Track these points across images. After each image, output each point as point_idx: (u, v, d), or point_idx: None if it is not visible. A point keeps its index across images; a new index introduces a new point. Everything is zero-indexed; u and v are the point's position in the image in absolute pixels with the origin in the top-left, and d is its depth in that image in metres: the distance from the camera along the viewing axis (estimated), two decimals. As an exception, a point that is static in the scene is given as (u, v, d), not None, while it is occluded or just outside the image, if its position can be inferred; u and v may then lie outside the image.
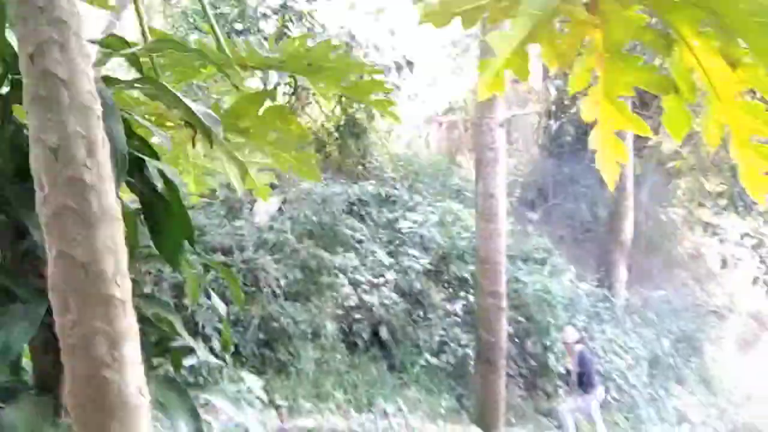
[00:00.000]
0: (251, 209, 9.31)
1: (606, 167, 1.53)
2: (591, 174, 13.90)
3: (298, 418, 6.61)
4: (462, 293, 9.46)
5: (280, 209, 9.24)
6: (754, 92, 1.29)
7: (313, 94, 12.16)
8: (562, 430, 7.76)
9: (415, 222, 10.24)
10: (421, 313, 9.32)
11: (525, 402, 8.91)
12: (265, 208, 9.12)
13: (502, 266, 6.58)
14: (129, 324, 1.04)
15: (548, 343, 9.13)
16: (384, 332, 8.79)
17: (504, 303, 6.65)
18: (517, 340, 9.27)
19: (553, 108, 15.12)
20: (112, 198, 1.05)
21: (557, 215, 14.78)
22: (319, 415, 6.84)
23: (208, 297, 1.85)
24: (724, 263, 12.01)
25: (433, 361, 8.71)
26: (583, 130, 13.73)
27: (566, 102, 14.41)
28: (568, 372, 8.15)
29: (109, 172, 1.07)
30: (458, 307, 9.19)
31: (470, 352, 8.54)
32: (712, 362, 12.05)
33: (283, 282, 8.22)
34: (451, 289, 9.68)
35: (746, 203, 11.14)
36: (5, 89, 1.45)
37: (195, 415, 1.34)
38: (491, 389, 6.62)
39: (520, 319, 9.37)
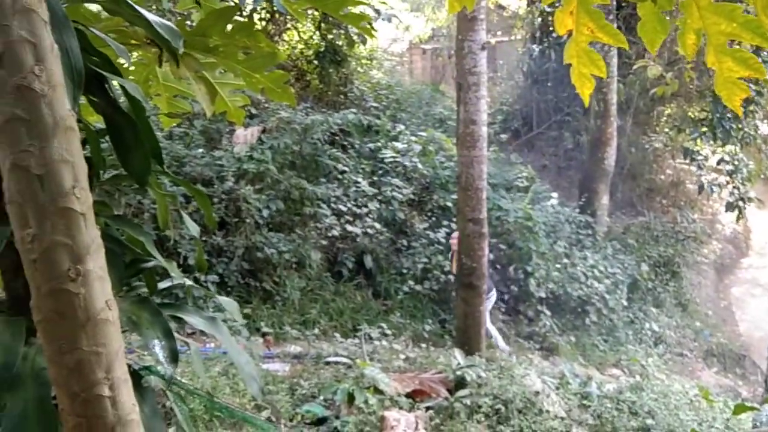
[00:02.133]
0: (231, 139, 9.17)
1: (581, 81, 1.49)
2: (575, 102, 13.84)
3: (284, 345, 6.75)
4: (445, 221, 9.52)
5: (259, 139, 9.10)
6: None
7: (291, 20, 11.81)
8: (494, 340, 7.82)
9: (398, 152, 10.17)
10: (405, 242, 9.41)
11: (506, 326, 9.16)
12: (244, 138, 8.98)
13: (483, 192, 6.59)
14: (91, 237, 1.02)
15: (530, 270, 9.30)
16: (368, 261, 8.88)
17: (485, 229, 6.70)
18: (498, 266, 9.43)
19: (538, 33, 14.82)
20: (66, 107, 1.00)
21: (541, 143, 14.77)
22: (305, 341, 6.98)
23: (181, 220, 1.82)
24: (701, 189, 12.14)
25: (417, 287, 8.87)
26: (568, 56, 13.53)
27: (550, 27, 14.12)
28: (457, 277, 7.87)
29: (61, 80, 1.02)
30: (441, 235, 9.27)
31: (452, 278, 8.68)
32: (689, 286, 12.38)
33: (265, 213, 8.20)
34: (434, 218, 9.74)
35: (725, 129, 11.15)
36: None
37: (169, 334, 1.34)
38: (472, 313, 6.77)
39: (502, 246, 9.50)
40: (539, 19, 14.41)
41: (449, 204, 9.65)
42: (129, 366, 1.16)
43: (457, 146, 6.88)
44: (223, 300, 1.75)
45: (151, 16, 1.45)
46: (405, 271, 9.03)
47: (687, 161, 13.52)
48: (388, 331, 7.57)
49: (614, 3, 10.71)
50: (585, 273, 10.05)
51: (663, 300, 11.36)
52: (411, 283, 8.89)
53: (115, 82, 1.58)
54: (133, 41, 2.00)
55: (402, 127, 11.30)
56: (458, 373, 5.54)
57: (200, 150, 8.52)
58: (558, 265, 9.75)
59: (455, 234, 7.68)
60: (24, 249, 1.00)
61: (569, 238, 10.53)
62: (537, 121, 14.76)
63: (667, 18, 1.31)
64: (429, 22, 23.72)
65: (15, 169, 0.97)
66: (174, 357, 1.31)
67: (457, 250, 7.51)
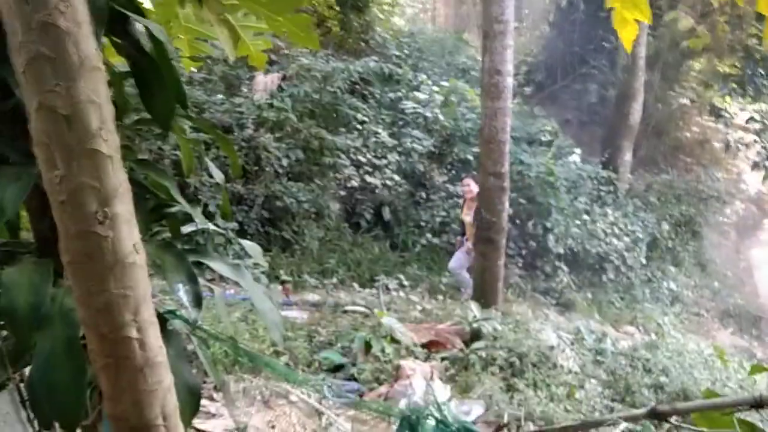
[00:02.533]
0: (250, 87, 9.09)
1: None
2: (602, 55, 13.49)
3: (303, 293, 6.83)
4: (465, 174, 9.45)
5: (279, 87, 9.01)
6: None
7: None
8: (463, 286, 7.77)
9: (419, 102, 10.03)
10: (424, 195, 9.38)
11: (523, 281, 9.17)
12: (264, 85, 8.90)
13: (506, 146, 6.50)
14: (119, 181, 1.01)
15: (549, 225, 9.25)
16: (386, 212, 8.89)
17: (506, 183, 6.63)
18: (518, 221, 9.39)
19: (565, -20, 14.35)
20: (92, 46, 0.98)
21: (565, 97, 14.48)
22: (323, 290, 7.06)
23: (208, 169, 1.81)
24: (727, 147, 11.88)
25: (434, 240, 8.88)
26: (596, 6, 13.13)
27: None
28: (463, 224, 7.90)
29: (86, 18, 0.98)
30: (460, 189, 9.22)
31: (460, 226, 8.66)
32: (709, 246, 12.27)
33: (285, 162, 8.19)
34: (454, 171, 9.67)
35: (756, 86, 10.82)
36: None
37: (193, 279, 1.34)
38: (490, 268, 6.77)
39: (522, 201, 9.43)
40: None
41: (470, 157, 9.56)
42: (155, 310, 1.16)
43: (480, 97, 6.76)
44: (247, 244, 1.76)
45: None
46: (423, 223, 9.04)
47: (714, 119, 13.21)
48: (406, 283, 7.63)
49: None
50: (604, 230, 9.99)
51: (682, 259, 11.29)
52: (429, 235, 8.90)
53: (138, 24, 1.54)
54: (155, -19, 1.95)
55: (424, 76, 11.13)
56: (474, 325, 5.58)
57: (220, 96, 8.47)
58: (578, 222, 9.69)
59: (467, 180, 7.66)
60: (52, 191, 0.99)
61: (590, 195, 10.44)
62: (561, 73, 14.43)
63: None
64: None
65: (41, 109, 0.95)
66: (198, 301, 1.31)
67: (470, 197, 7.53)
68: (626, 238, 10.10)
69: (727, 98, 11.49)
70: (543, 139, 10.91)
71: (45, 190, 1.51)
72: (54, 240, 1.56)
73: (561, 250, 9.35)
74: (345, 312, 6.14)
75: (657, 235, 10.88)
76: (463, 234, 7.86)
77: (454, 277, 7.87)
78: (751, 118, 11.72)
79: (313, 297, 6.74)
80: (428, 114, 9.84)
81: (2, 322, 1.80)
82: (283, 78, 9.23)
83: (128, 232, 1.03)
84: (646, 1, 1.40)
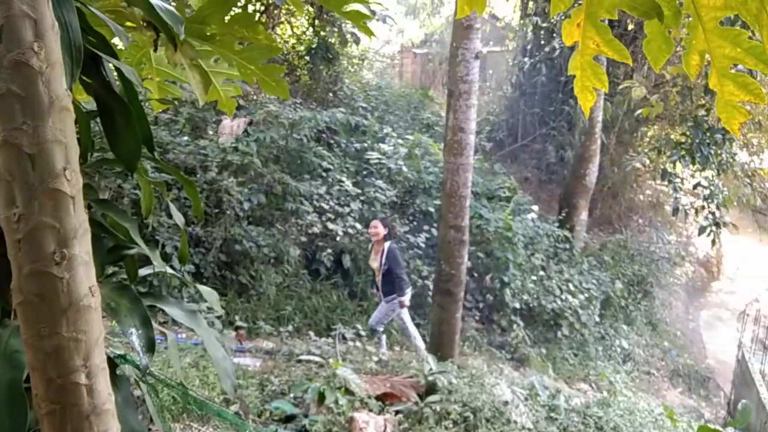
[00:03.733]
0: (217, 130, 9.09)
1: (583, 93, 1.50)
2: (561, 117, 13.98)
3: (257, 340, 6.70)
4: (426, 226, 9.54)
5: (245, 131, 9.04)
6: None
7: (285, 13, 11.75)
8: (376, 341, 7.41)
9: (383, 153, 10.18)
10: (385, 245, 9.39)
11: (480, 334, 9.20)
12: (231, 129, 8.91)
13: (467, 200, 6.61)
14: (79, 221, 1.00)
15: (506, 280, 9.35)
16: (347, 260, 8.86)
17: (466, 237, 6.72)
18: (476, 275, 9.48)
19: (529, 46, 14.95)
20: (62, 87, 0.98)
21: (525, 156, 14.89)
22: (278, 337, 6.94)
23: (167, 209, 1.79)
24: (676, 211, 12.32)
25: (394, 290, 8.85)
26: (557, 71, 13.68)
27: (542, 41, 14.26)
28: (374, 274, 7.55)
29: (59, 59, 0.99)
30: (421, 239, 9.29)
31: (430, 284, 8.70)
32: (660, 306, 12.55)
33: (246, 205, 8.14)
34: (415, 222, 9.76)
35: (704, 154, 11.32)
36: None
37: (147, 323, 1.31)
38: (448, 320, 6.78)
39: (480, 255, 9.55)
40: (532, 33, 14.53)
41: (431, 209, 9.68)
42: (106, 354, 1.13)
43: (444, 153, 6.90)
44: (203, 289, 1.73)
45: (154, 0, 1.43)
46: (383, 273, 9.02)
47: (665, 183, 13.73)
48: (363, 332, 7.56)
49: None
50: (560, 286, 10.15)
51: (634, 318, 11.50)
52: (388, 286, 8.88)
53: (110, 65, 1.55)
54: (128, 23, 1.96)
55: (389, 129, 11.32)
56: (430, 378, 5.54)
57: (185, 138, 8.43)
58: (534, 277, 9.84)
59: (375, 222, 7.40)
60: (9, 228, 0.97)
61: (547, 251, 10.63)
62: (522, 133, 14.88)
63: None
64: (423, 27, 23.83)
65: (6, 146, 0.94)
66: (151, 346, 1.28)
67: (377, 240, 7.30)
68: (581, 296, 10.26)
69: (678, 164, 11.98)
70: (502, 195, 11.13)
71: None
72: (4, 280, 1.52)
73: (517, 305, 9.44)
74: (299, 361, 6.03)
75: (610, 294, 11.10)
76: (377, 285, 7.44)
77: (375, 332, 7.50)
78: (699, 184, 12.21)
79: (267, 344, 6.61)
80: (392, 165, 9.97)
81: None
82: (250, 123, 9.26)
83: (85, 274, 1.02)
84: (604, 71, 1.48)
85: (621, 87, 11.36)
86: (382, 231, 7.22)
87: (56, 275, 0.97)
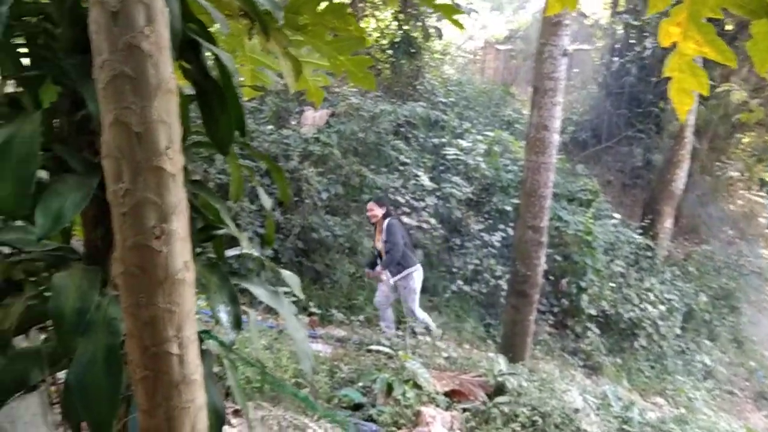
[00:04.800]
0: (299, 120, 9.29)
1: (680, 96, 1.43)
2: (649, 119, 13.41)
3: (329, 327, 6.82)
4: (501, 225, 9.41)
5: (327, 122, 9.19)
6: None
7: (370, 6, 11.84)
8: (382, 320, 7.26)
9: (461, 149, 10.10)
10: (458, 241, 9.34)
11: (552, 339, 8.99)
12: (313, 120, 9.09)
13: (547, 201, 6.47)
14: (179, 199, 1.05)
15: (583, 285, 9.10)
16: (419, 255, 8.86)
17: (544, 238, 6.57)
18: (551, 278, 9.26)
19: (618, 45, 14.43)
20: (169, 70, 1.03)
21: (608, 158, 14.39)
22: (349, 326, 7.03)
23: (249, 194, 1.85)
24: (772, 224, 11.61)
25: (465, 288, 8.80)
26: (647, 71, 13.12)
27: (633, 40, 13.73)
28: (379, 254, 7.26)
29: (167, 43, 1.04)
30: (496, 238, 9.17)
31: (503, 283, 8.58)
32: (748, 323, 11.86)
33: (324, 195, 8.29)
34: (490, 221, 9.63)
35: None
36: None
37: (235, 301, 1.36)
38: (521, 321, 6.67)
39: (557, 258, 9.32)
40: (622, 31, 14.01)
41: (508, 208, 9.53)
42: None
43: (525, 151, 6.77)
44: (286, 273, 1.78)
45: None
46: (455, 270, 8.98)
47: (762, 193, 12.94)
48: (432, 327, 7.55)
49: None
50: (639, 295, 9.78)
51: (718, 334, 10.93)
52: (460, 282, 8.83)
53: (208, 51, 1.61)
54: (226, 12, 2.04)
55: (468, 125, 11.22)
56: (499, 379, 5.47)
57: (270, 127, 8.67)
58: (612, 284, 9.52)
59: (371, 205, 7.16)
60: (115, 202, 1.03)
61: (627, 258, 10.25)
62: (606, 134, 14.38)
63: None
64: (507, 23, 23.43)
65: (116, 125, 1.00)
66: (237, 323, 1.33)
67: (376, 222, 7.12)
68: (661, 306, 9.85)
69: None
70: (583, 197, 10.82)
71: (101, 201, 1.57)
72: (103, 250, 1.62)
73: (593, 312, 9.17)
74: (369, 351, 6.09)
75: (694, 307, 10.59)
76: (375, 265, 7.33)
77: (379, 312, 7.40)
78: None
79: (338, 332, 6.71)
80: (470, 161, 9.88)
81: (42, 325, 1.85)
82: (332, 114, 9.41)
83: (181, 250, 1.06)
84: (705, 74, 1.41)
85: (718, 90, 10.77)
86: (378, 211, 7.05)
87: (155, 249, 1.02)
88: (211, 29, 1.87)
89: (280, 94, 9.10)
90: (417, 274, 7.12)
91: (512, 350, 6.55)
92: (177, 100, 1.05)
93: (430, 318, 7.37)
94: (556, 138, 6.42)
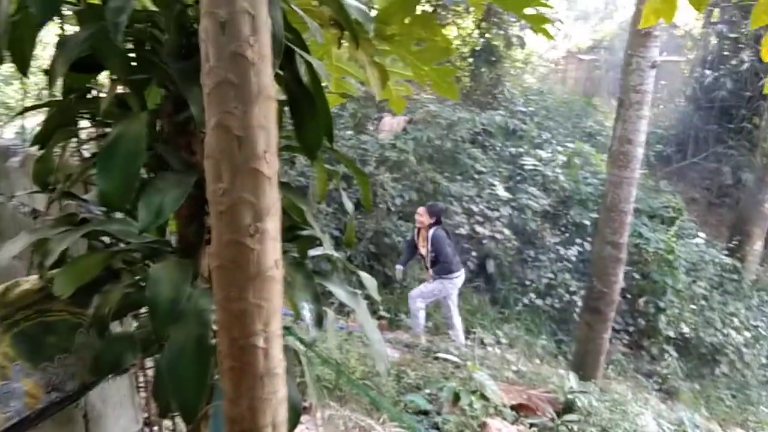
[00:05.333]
0: (377, 126, 9.40)
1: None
2: (741, 135, 12.74)
3: (397, 332, 6.85)
4: (578, 239, 9.18)
5: (404, 129, 9.26)
6: None
7: (452, 15, 11.85)
8: (411, 316, 7.16)
9: (540, 160, 9.93)
10: (532, 253, 9.19)
11: (627, 359, 8.69)
12: (390, 126, 9.18)
13: (628, 216, 6.27)
14: (272, 200, 1.10)
15: (662, 305, 8.75)
16: (491, 265, 8.78)
17: (623, 255, 6.37)
18: (629, 296, 8.96)
19: (710, 57, 13.79)
20: (269, 77, 1.09)
21: (694, 174, 13.77)
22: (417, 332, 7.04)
23: (328, 197, 1.90)
24: None
25: (538, 302, 8.65)
26: (742, 85, 12.48)
27: (727, 52, 13.09)
28: (422, 256, 7.30)
29: (269, 52, 1.10)
30: (572, 252, 8.95)
31: (577, 299, 8.38)
32: None
33: (398, 201, 8.36)
34: (567, 234, 9.42)
35: None
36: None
37: (317, 299, 1.41)
38: (594, 339, 6.48)
39: (636, 276, 9.01)
40: (716, 43, 13.40)
41: (586, 222, 9.29)
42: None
43: (607, 164, 6.59)
44: (364, 276, 1.82)
45: (348, -1, 1.52)
46: (528, 282, 8.83)
47: None
48: (503, 340, 7.46)
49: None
50: (723, 320, 9.29)
51: (811, 367, 10.23)
52: (532, 295, 8.68)
53: (300, 58, 1.67)
54: (317, 21, 2.11)
55: (548, 135, 11.03)
56: (569, 396, 5.34)
57: (349, 132, 8.83)
58: (693, 306, 9.09)
59: (421, 209, 7.17)
60: (214, 201, 1.09)
61: (711, 280, 9.77)
62: (693, 149, 13.77)
63: None
64: (592, 32, 22.87)
65: (218, 128, 1.06)
66: (319, 321, 1.38)
67: (422, 227, 7.05)
68: (747, 333, 9.31)
69: None
70: (666, 214, 10.40)
71: (196, 199, 1.66)
72: (196, 244, 1.71)
73: (671, 334, 8.79)
74: (436, 358, 6.09)
75: (784, 335, 9.96)
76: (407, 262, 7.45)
77: (408, 303, 7.28)
78: None
79: (406, 337, 6.74)
80: (548, 173, 9.71)
81: (135, 312, 1.97)
82: (409, 121, 9.48)
83: (273, 248, 1.12)
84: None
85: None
86: (426, 219, 7.03)
87: (249, 246, 1.08)
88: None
89: (360, 101, 9.26)
90: (458, 280, 7.12)
91: (584, 368, 6.38)
92: (275, 106, 1.11)
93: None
94: (640, 152, 6.22)
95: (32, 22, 1.58)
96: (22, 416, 1.59)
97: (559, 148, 10.37)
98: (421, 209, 7.21)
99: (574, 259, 8.95)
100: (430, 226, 7.07)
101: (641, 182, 10.36)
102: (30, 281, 1.73)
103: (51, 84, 1.44)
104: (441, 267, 6.96)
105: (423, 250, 7.22)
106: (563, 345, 8.34)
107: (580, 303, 8.19)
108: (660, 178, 12.68)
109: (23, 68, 1.63)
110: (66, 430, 1.92)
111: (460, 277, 7.13)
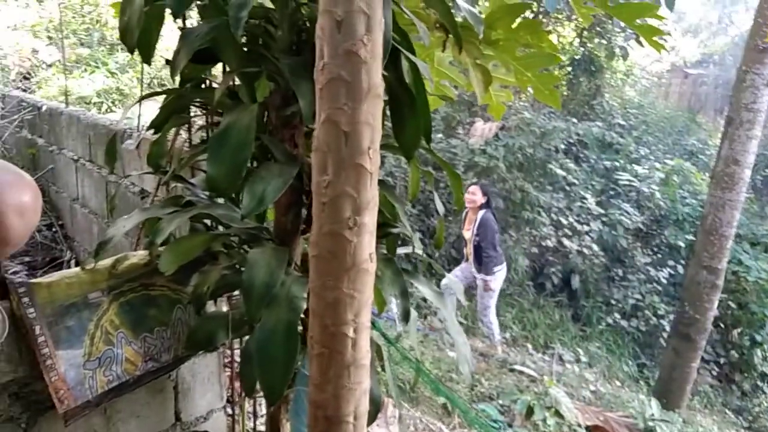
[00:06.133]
0: (468, 130, 9.35)
1: None
2: None
3: (474, 339, 6.78)
4: (671, 261, 8.76)
5: (496, 135, 9.16)
6: None
7: (553, 22, 11.59)
8: (485, 326, 6.62)
9: (635, 175, 9.55)
10: (620, 272, 8.85)
11: (714, 392, 8.20)
12: (482, 132, 9.10)
13: (729, 241, 5.92)
14: (372, 195, 1.13)
15: (759, 339, 8.20)
16: (575, 281, 8.54)
17: (720, 281, 6.03)
18: (721, 325, 8.46)
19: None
20: (379, 76, 1.12)
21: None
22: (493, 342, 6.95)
23: (423, 198, 1.92)
24: None
25: (622, 322, 8.33)
26: None
27: None
28: (465, 241, 6.61)
29: (380, 51, 1.13)
30: (663, 274, 8.56)
31: (665, 323, 8.01)
32: None
33: (484, 208, 8.26)
34: (659, 255, 9.01)
35: None
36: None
37: (405, 295, 1.43)
38: (681, 367, 6.17)
39: (732, 304, 8.49)
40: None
41: (681, 243, 8.85)
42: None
43: (709, 184, 6.26)
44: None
45: (459, 1, 1.53)
46: (613, 302, 8.52)
47: None
48: (583, 358, 7.23)
49: None
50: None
51: None
52: (617, 316, 8.37)
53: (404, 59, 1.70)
54: (424, 24, 2.13)
55: (646, 150, 10.60)
56: (649, 423, 5.11)
57: (439, 135, 8.83)
58: (794, 344, 8.47)
59: (474, 188, 6.47)
60: (318, 192, 1.13)
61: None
62: (810, 177, 12.80)
63: None
64: (701, 47, 21.74)
65: (327, 122, 1.10)
66: (406, 316, 1.40)
67: (472, 208, 6.44)
68: None
69: None
70: (770, 243, 9.75)
71: (295, 189, 1.72)
72: (291, 232, 1.77)
73: (767, 370, 8.23)
74: (512, 370, 5.99)
75: None
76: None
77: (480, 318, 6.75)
78: None
79: (482, 346, 6.67)
80: (644, 189, 9.32)
81: (229, 294, 2.06)
82: (501, 128, 9.36)
83: (368, 242, 1.15)
84: None
85: None
86: (479, 198, 6.43)
87: (347, 238, 1.11)
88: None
89: (452, 104, 9.23)
90: (501, 274, 6.59)
91: (667, 396, 6.09)
92: (382, 105, 1.14)
93: (498, 328, 6.76)
94: (747, 174, 5.87)
95: (158, 15, 1.70)
96: (122, 381, 1.70)
97: (657, 165, 9.93)
98: (472, 188, 6.59)
99: (664, 281, 8.55)
100: (481, 206, 6.51)
101: (745, 206, 9.76)
102: (137, 255, 1.85)
103: (173, 73, 1.53)
104: (485, 259, 6.38)
105: (467, 234, 6.63)
106: (646, 370, 7.99)
107: (667, 328, 7.83)
108: (766, 203, 11.89)
109: (147, 57, 1.75)
110: (158, 399, 2.04)
111: (502, 270, 6.64)
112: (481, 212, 6.46)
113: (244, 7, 1.27)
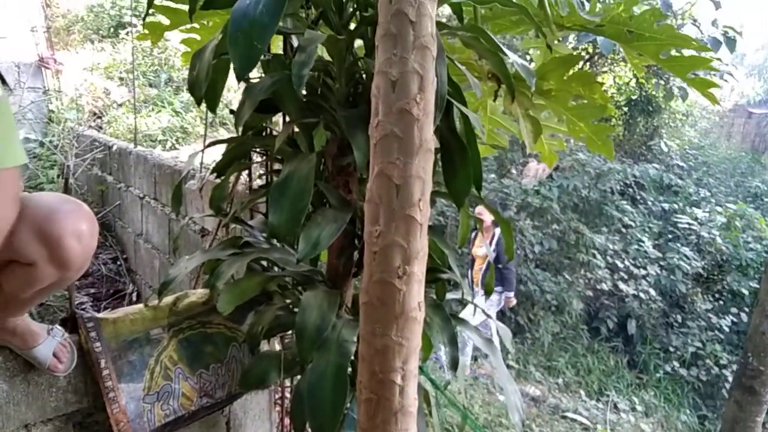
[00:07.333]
0: (521, 171, 9.31)
1: None
2: None
3: (524, 383, 6.65)
4: (734, 309, 8.41)
5: (549, 176, 9.09)
6: None
7: (609, 63, 11.52)
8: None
9: (695, 219, 9.27)
10: (679, 318, 8.54)
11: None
12: (535, 172, 9.05)
13: (797, 291, 5.66)
14: (422, 246, 1.17)
15: (831, 394, 7.71)
16: (632, 326, 8.28)
17: (787, 332, 5.74)
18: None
19: None
20: (431, 132, 1.17)
21: None
22: (545, 386, 6.79)
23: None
24: None
25: (681, 371, 7.99)
26: None
27: None
28: (474, 258, 6.16)
29: (432, 108, 1.18)
30: (725, 322, 8.21)
31: (727, 374, 7.64)
32: None
33: (537, 249, 8.17)
34: (721, 301, 8.67)
35: None
36: (353, 25, 1.67)
37: (454, 342, 1.45)
38: (745, 421, 5.84)
39: (801, 356, 8.04)
40: None
41: (744, 291, 8.50)
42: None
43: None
44: (499, 325, 1.83)
45: (510, 53, 1.58)
46: (672, 349, 8.21)
47: None
48: (638, 407, 6.97)
49: None
50: None
51: None
52: (675, 364, 8.05)
53: (456, 110, 1.75)
54: (476, 74, 2.19)
55: (707, 193, 10.29)
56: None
57: (492, 175, 8.83)
58: None
59: (480, 209, 5.68)
60: (369, 241, 1.18)
61: None
62: None
63: None
64: (765, 86, 21.13)
65: (380, 176, 1.15)
66: (455, 364, 1.42)
67: (486, 226, 5.98)
68: None
69: None
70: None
71: (347, 234, 1.78)
72: (343, 276, 1.82)
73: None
74: (564, 417, 5.83)
75: None
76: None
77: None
78: None
79: (533, 390, 6.52)
80: (704, 233, 9.03)
81: (282, 333, 2.12)
82: (556, 168, 9.29)
83: (417, 291, 1.18)
84: None
85: None
86: (487, 217, 5.92)
87: (397, 286, 1.15)
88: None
89: (526, 151, 9.25)
90: (512, 294, 6.36)
91: (731, 451, 5.78)
92: (433, 158, 1.19)
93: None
94: (815, 221, 5.63)
95: (224, 68, 1.81)
96: (178, 415, 1.76)
97: (719, 208, 9.62)
98: (479, 208, 5.94)
99: (726, 329, 8.19)
100: (495, 223, 6.07)
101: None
102: (197, 294, 1.94)
103: (237, 124, 1.63)
104: (505, 272, 6.07)
105: (480, 251, 6.23)
106: (707, 422, 7.62)
107: (730, 378, 7.46)
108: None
109: (213, 107, 1.85)
110: (210, 434, 2.10)
111: (512, 297, 6.36)
112: (496, 229, 6.16)
113: (306, 65, 1.35)
